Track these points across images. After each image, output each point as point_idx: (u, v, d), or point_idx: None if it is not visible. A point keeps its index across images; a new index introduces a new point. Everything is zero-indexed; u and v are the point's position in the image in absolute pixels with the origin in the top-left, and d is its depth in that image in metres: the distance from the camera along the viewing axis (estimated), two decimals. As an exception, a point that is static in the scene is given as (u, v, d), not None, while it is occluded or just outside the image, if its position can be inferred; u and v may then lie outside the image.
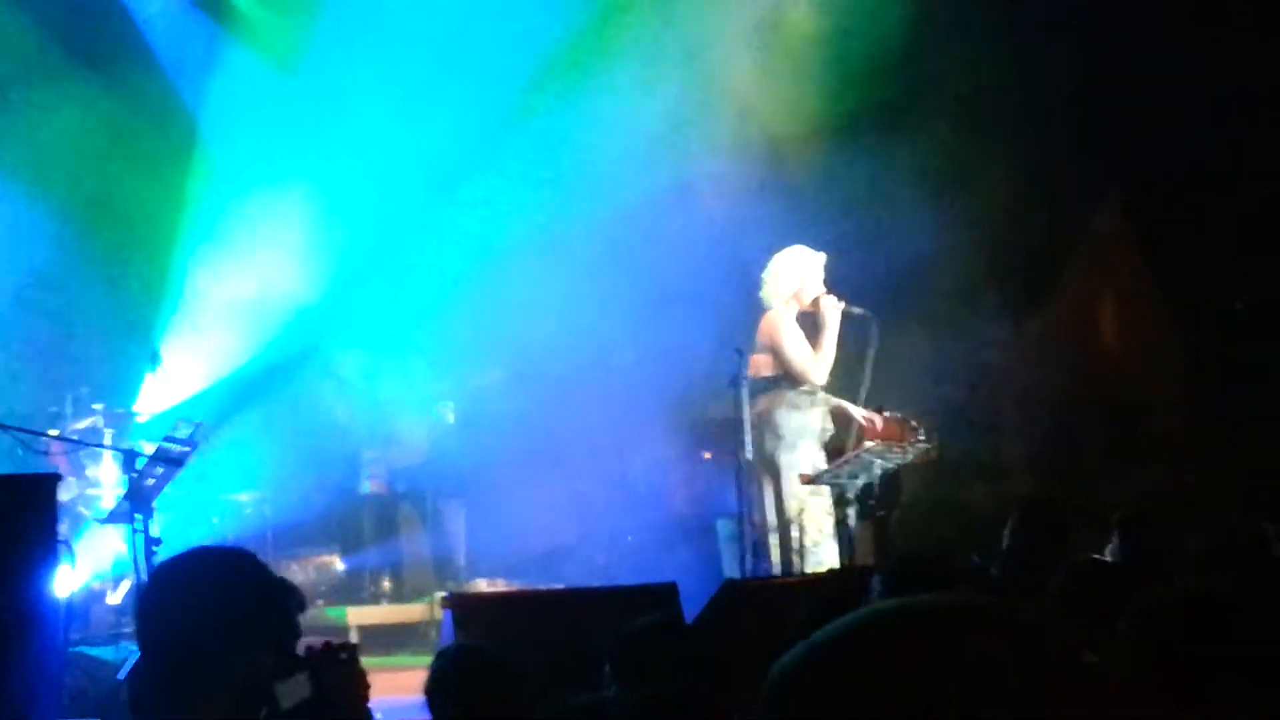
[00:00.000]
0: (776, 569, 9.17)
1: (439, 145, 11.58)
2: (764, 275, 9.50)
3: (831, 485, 9.83)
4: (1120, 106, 11.16)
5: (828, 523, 9.31)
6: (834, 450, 9.54)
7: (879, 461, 9.68)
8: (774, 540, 9.30)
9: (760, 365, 9.40)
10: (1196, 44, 10.63)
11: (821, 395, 9.37)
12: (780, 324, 9.32)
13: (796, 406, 9.33)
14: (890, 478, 9.94)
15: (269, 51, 11.88)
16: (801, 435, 9.30)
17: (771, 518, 9.32)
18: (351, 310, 11.85)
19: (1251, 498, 9.49)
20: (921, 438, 9.94)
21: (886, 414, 9.85)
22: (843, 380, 9.49)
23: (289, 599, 3.93)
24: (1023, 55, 10.80)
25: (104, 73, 11.42)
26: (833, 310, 9.35)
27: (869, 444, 9.71)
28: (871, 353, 9.40)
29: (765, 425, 9.33)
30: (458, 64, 11.50)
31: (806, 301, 9.41)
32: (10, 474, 6.96)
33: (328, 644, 3.89)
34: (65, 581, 7.55)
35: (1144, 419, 11.38)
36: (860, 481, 9.67)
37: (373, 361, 11.77)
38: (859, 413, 9.41)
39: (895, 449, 9.80)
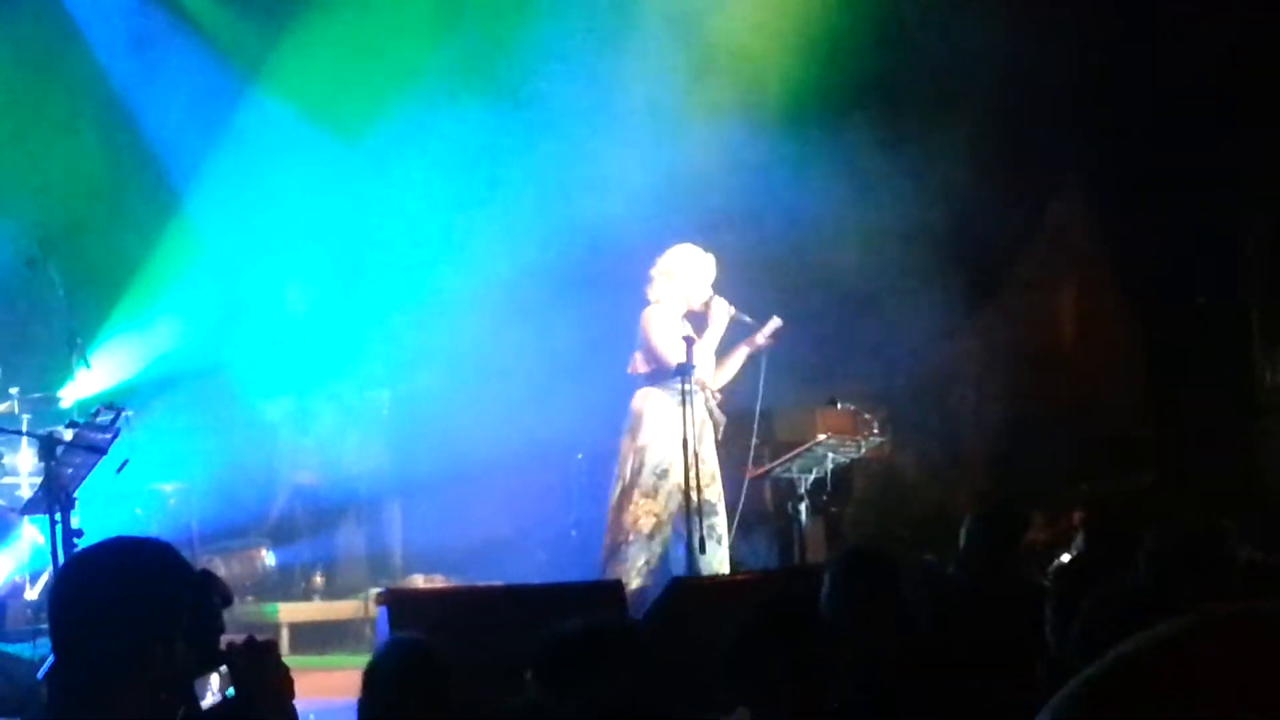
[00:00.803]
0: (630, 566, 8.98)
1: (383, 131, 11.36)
2: (652, 271, 9.30)
3: (781, 479, 9.63)
4: (1083, 95, 10.98)
5: (647, 523, 9.05)
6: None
7: (831, 455, 9.47)
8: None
9: (637, 362, 9.28)
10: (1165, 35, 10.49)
11: (698, 394, 9.08)
12: (652, 320, 9.18)
13: (665, 403, 9.09)
14: (842, 472, 9.74)
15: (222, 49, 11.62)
16: (667, 431, 9.02)
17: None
18: (285, 306, 11.55)
19: (1210, 496, 9.32)
20: (875, 431, 9.76)
21: (839, 406, 9.66)
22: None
23: (209, 591, 3.67)
24: (1002, 39, 10.59)
25: (25, 49, 11.09)
26: (720, 313, 9.19)
27: (821, 436, 9.51)
28: (763, 363, 9.25)
29: (634, 420, 9.18)
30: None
31: (696, 303, 9.25)
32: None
33: (249, 639, 3.67)
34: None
35: (1102, 415, 11.18)
36: (812, 475, 9.47)
37: (306, 354, 11.48)
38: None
39: (848, 442, 9.62)
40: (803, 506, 9.46)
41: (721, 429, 9.29)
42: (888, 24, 11.00)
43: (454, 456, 10.61)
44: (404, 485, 11.40)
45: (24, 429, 9.05)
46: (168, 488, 10.29)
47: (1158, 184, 10.84)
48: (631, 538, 9.01)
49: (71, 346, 9.46)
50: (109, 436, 7.95)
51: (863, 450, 9.60)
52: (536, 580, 9.75)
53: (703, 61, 11.19)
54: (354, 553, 11.49)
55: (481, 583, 9.92)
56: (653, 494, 9.05)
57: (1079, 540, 7.27)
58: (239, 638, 3.73)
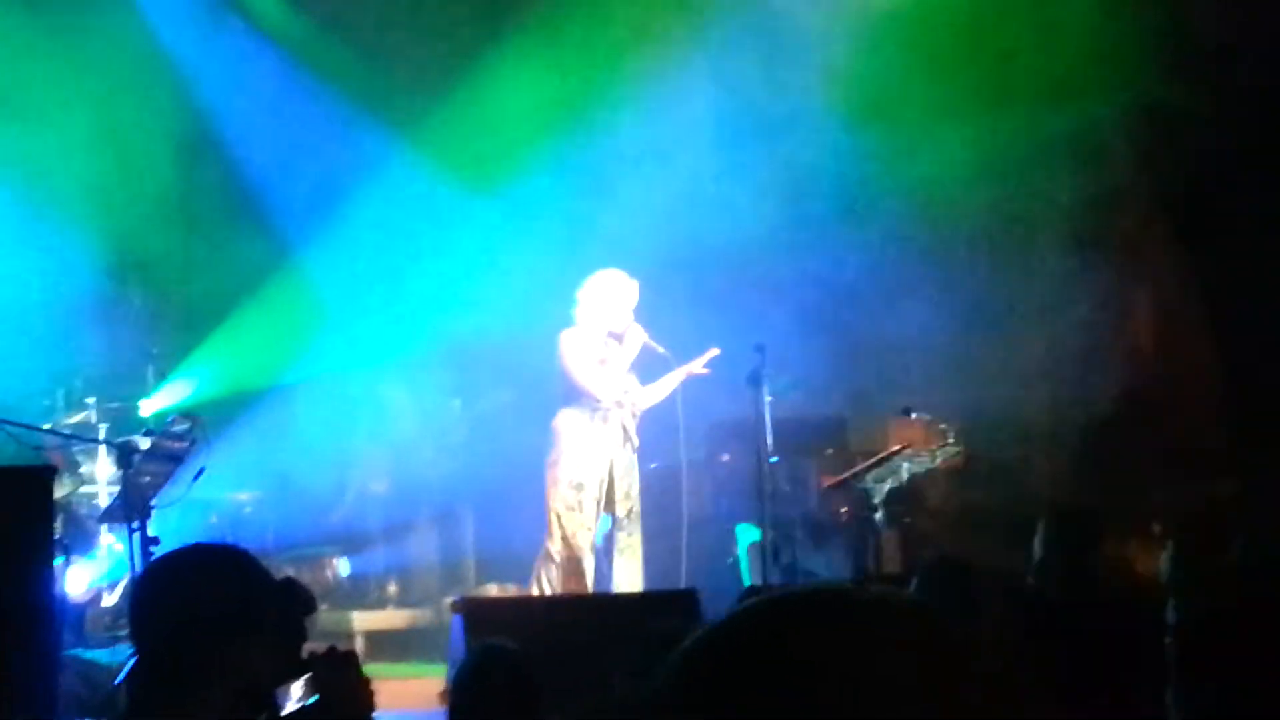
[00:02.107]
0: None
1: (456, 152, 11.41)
2: (577, 294, 9.39)
3: (856, 489, 9.58)
4: (1156, 96, 10.85)
5: (585, 537, 9.15)
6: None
7: (907, 465, 9.42)
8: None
9: (558, 382, 9.38)
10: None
11: (615, 412, 9.27)
12: (566, 343, 9.30)
13: (579, 422, 9.22)
14: (917, 482, 9.69)
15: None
16: (583, 448, 9.18)
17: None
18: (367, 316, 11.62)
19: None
20: (950, 441, 9.69)
21: (914, 416, 9.59)
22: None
23: (291, 598, 3.66)
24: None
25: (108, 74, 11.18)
26: (634, 339, 9.29)
27: (896, 446, 9.46)
28: (679, 400, 9.38)
29: (552, 439, 9.29)
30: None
31: (617, 327, 9.32)
32: (3, 467, 6.68)
33: (330, 649, 3.65)
34: (60, 581, 7.25)
35: (1180, 423, 11.03)
36: (887, 486, 9.42)
37: (382, 363, 11.54)
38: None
39: (923, 453, 9.56)
40: (878, 517, 9.41)
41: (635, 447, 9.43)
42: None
43: (526, 465, 10.60)
44: (476, 494, 11.41)
45: (101, 438, 9.11)
46: (243, 496, 10.35)
47: (1236, 189, 10.71)
48: (563, 554, 9.11)
49: (148, 357, 9.53)
50: (185, 445, 8.01)
51: (938, 460, 9.54)
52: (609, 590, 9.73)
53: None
54: (427, 561, 11.50)
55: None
56: (576, 508, 9.14)
57: (1168, 552, 7.15)
58: (320, 647, 3.73)
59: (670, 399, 10.18)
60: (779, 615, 1.44)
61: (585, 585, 9.06)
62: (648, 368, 9.64)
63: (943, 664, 1.40)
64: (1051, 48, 10.76)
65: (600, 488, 9.19)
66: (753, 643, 1.42)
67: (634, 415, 9.39)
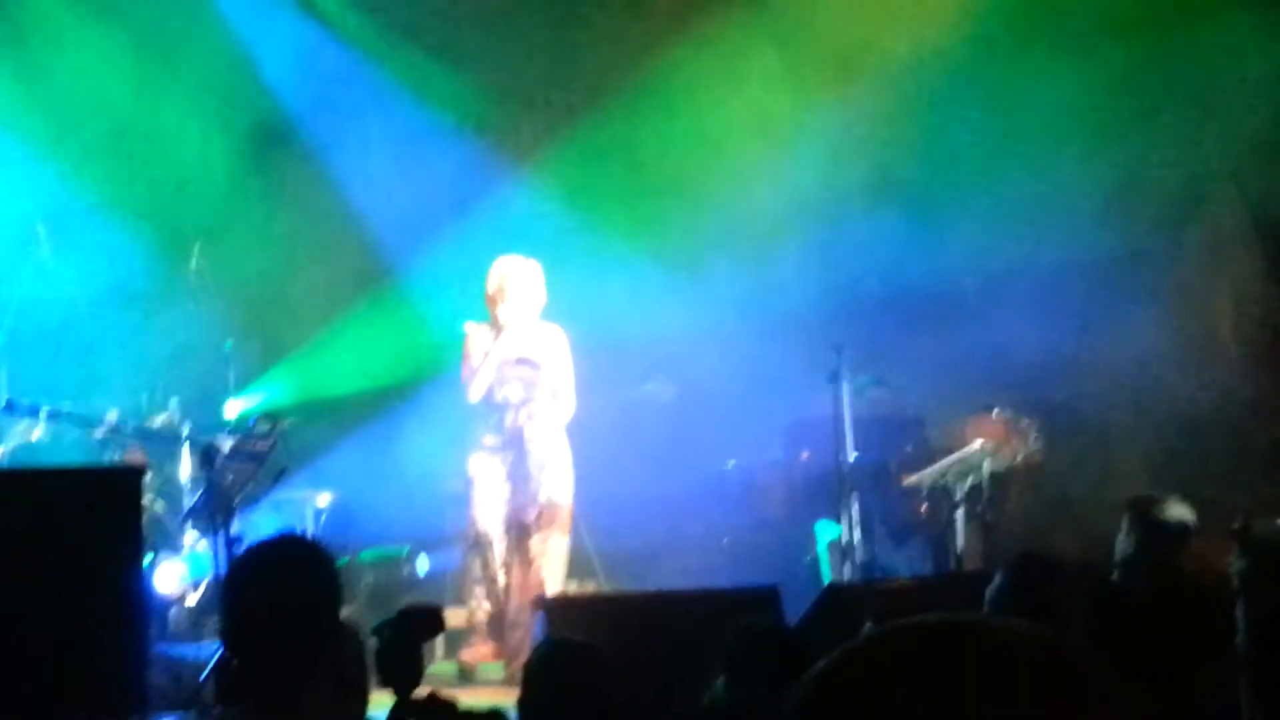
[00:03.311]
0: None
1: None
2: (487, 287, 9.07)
3: (936, 486, 9.51)
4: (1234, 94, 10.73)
5: (488, 543, 8.89)
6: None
7: (987, 462, 9.34)
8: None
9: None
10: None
11: (510, 413, 8.95)
12: (466, 342, 9.00)
13: (482, 425, 9.00)
14: (998, 480, 9.60)
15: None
16: (485, 455, 8.95)
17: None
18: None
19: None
20: (1032, 438, 9.60)
21: (996, 413, 9.51)
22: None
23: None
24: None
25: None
26: (522, 330, 9.00)
27: (977, 443, 9.37)
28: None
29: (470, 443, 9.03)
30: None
31: (526, 320, 9.02)
32: (95, 466, 6.77)
33: (431, 695, 3.63)
34: (150, 578, 7.30)
35: (1266, 418, 10.89)
36: (968, 483, 9.34)
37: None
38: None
39: (1004, 449, 9.48)
40: (958, 515, 9.33)
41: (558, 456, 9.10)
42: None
43: (601, 460, 10.61)
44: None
45: (184, 437, 9.18)
46: (323, 496, 10.38)
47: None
48: (480, 561, 8.92)
49: (227, 359, 9.59)
50: (267, 446, 8.05)
51: (1019, 458, 9.46)
52: (689, 587, 9.70)
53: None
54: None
55: (634, 588, 9.91)
56: (482, 518, 8.91)
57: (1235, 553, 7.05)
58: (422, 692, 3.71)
59: (747, 398, 10.13)
60: (915, 647, 1.42)
61: (496, 593, 8.87)
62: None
63: (1084, 703, 1.38)
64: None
65: (500, 492, 8.91)
66: (891, 676, 1.39)
67: (530, 417, 8.98)
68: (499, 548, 8.94)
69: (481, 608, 8.91)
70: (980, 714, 1.34)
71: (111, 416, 8.71)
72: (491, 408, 8.94)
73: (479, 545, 8.91)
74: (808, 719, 1.40)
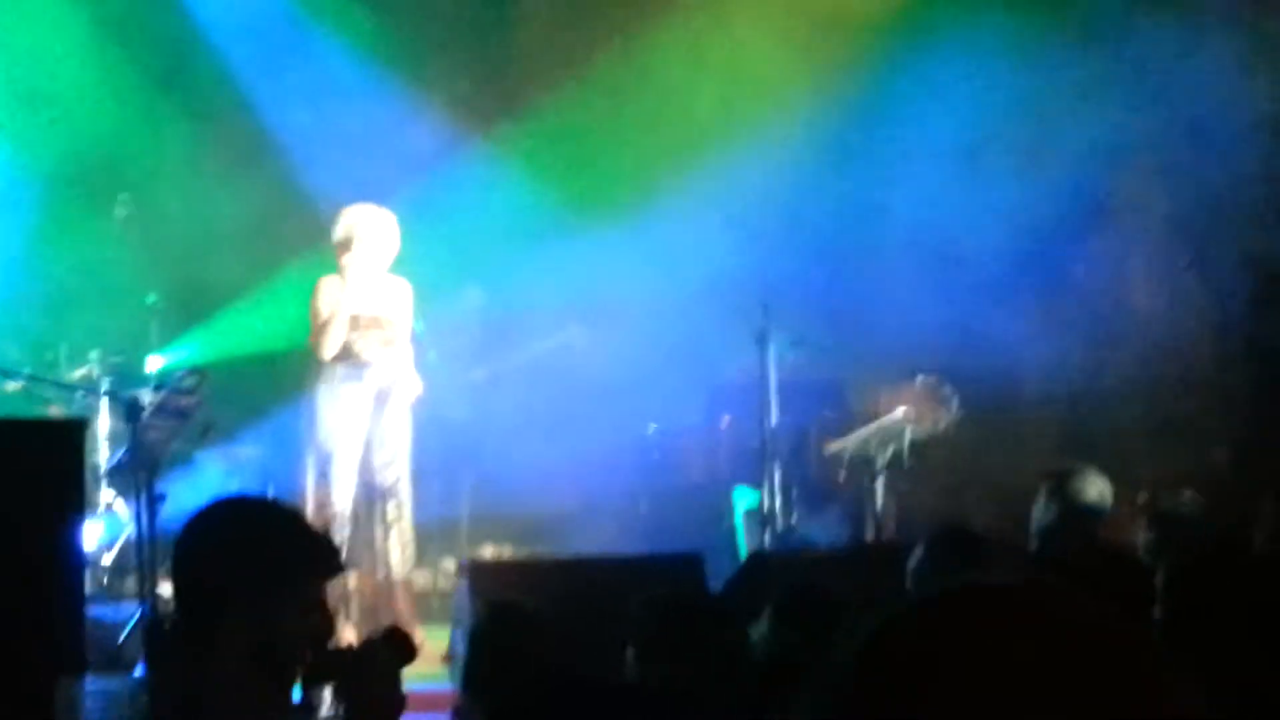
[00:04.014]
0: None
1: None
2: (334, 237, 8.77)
3: (856, 454, 9.55)
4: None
5: (334, 510, 8.48)
6: None
7: (909, 430, 9.40)
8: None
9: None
10: None
11: (370, 371, 8.62)
12: (316, 293, 8.61)
13: (331, 383, 8.60)
14: (919, 449, 9.66)
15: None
16: (333, 414, 8.55)
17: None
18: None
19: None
20: (955, 407, 9.66)
21: (920, 380, 9.57)
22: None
23: (326, 559, 3.63)
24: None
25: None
26: (374, 284, 8.68)
27: (900, 410, 9.43)
28: None
29: (306, 400, 8.70)
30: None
31: (378, 270, 8.71)
32: (35, 419, 6.65)
33: (366, 643, 3.56)
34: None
35: (1173, 391, 11.03)
36: (889, 450, 9.40)
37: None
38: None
39: (926, 417, 9.53)
40: (878, 483, 9.39)
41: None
42: None
43: (516, 422, 10.58)
44: (468, 452, 11.30)
45: (105, 391, 9.02)
46: (246, 452, 10.25)
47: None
48: (334, 527, 8.44)
49: (150, 312, 9.44)
50: (193, 401, 7.95)
51: (941, 426, 9.51)
52: (606, 553, 9.69)
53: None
54: (419, 521, 11.38)
55: (551, 554, 9.88)
56: (323, 479, 8.56)
57: (1142, 525, 7.18)
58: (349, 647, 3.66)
59: (666, 359, 10.11)
60: (979, 613, 1.35)
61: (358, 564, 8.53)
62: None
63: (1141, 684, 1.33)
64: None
65: (354, 455, 8.58)
66: (953, 643, 1.33)
67: (391, 374, 8.68)
68: (353, 516, 8.63)
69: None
70: (1045, 690, 1.29)
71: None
72: (345, 366, 8.57)
73: (324, 512, 8.43)
74: (856, 686, 1.33)
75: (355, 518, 8.65)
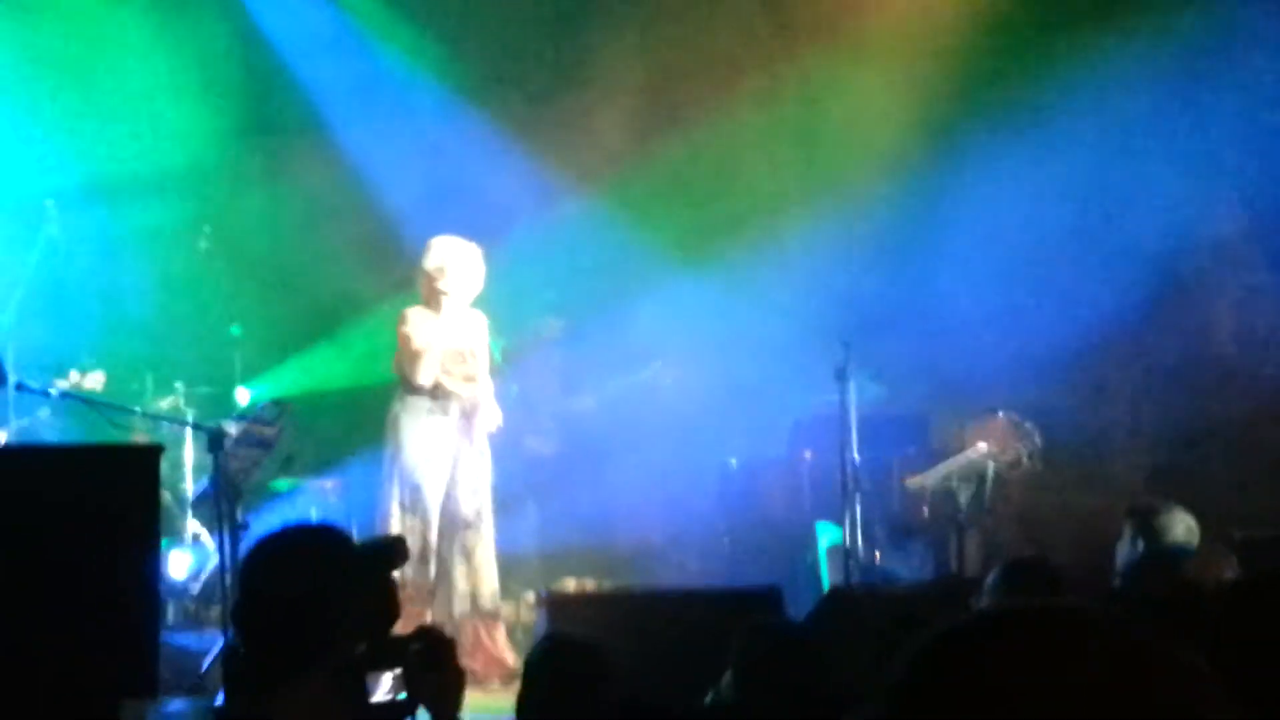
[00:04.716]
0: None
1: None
2: (424, 266, 8.73)
3: (938, 488, 9.50)
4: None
5: (415, 543, 8.34)
6: None
7: (991, 465, 9.34)
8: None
9: (395, 365, 8.75)
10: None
11: (455, 403, 8.59)
12: (402, 323, 8.60)
13: (417, 413, 8.57)
14: (1002, 483, 9.60)
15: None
16: (420, 443, 8.54)
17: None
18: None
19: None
20: (1036, 442, 9.60)
21: (1001, 415, 9.51)
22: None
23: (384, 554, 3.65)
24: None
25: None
26: (463, 316, 8.71)
27: (981, 446, 9.37)
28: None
29: (388, 430, 8.64)
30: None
31: (464, 303, 8.68)
32: (112, 444, 6.71)
33: (430, 637, 3.58)
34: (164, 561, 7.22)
35: (1262, 432, 10.89)
36: (972, 485, 9.34)
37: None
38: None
39: (1008, 453, 9.47)
40: (960, 518, 9.32)
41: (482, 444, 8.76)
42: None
43: (599, 456, 10.60)
44: (547, 484, 11.33)
45: (191, 422, 9.12)
46: (328, 484, 10.33)
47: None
48: (419, 558, 8.45)
49: (235, 343, 9.53)
50: (275, 431, 8.01)
51: (1024, 461, 9.44)
52: (688, 585, 9.67)
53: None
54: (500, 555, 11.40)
55: (633, 586, 9.87)
56: (412, 509, 8.54)
57: (1231, 563, 7.07)
58: (415, 638, 3.66)
59: (748, 394, 10.09)
60: (1024, 632, 1.42)
61: (423, 589, 8.53)
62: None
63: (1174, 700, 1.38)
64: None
65: (440, 487, 8.58)
66: (999, 660, 1.39)
67: (474, 406, 8.66)
68: (438, 547, 8.63)
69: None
70: (1087, 708, 1.34)
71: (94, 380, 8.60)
72: (430, 398, 8.58)
73: (422, 551, 8.49)
74: (912, 697, 1.40)
75: (438, 549, 8.65)
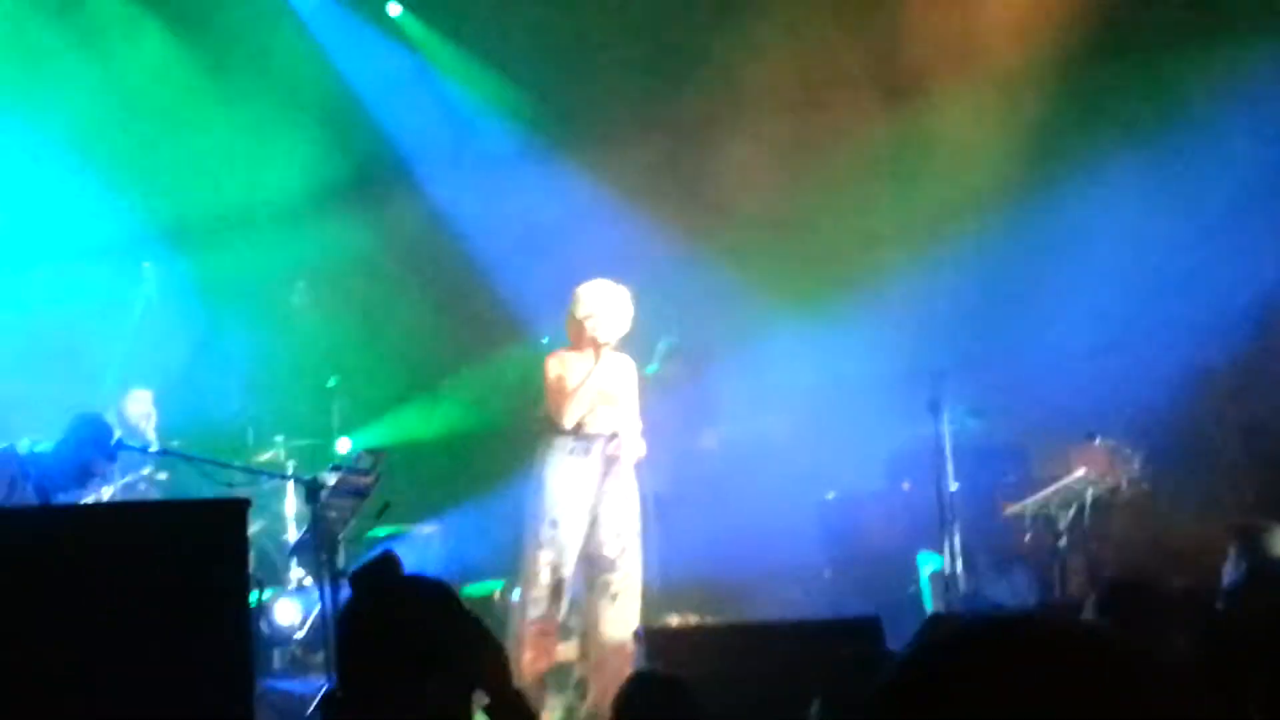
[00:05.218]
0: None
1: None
2: (571, 310, 8.80)
3: (1038, 516, 9.45)
4: None
5: (546, 575, 8.50)
6: None
7: (1090, 490, 9.28)
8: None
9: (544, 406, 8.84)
10: None
11: (598, 444, 8.62)
12: (547, 366, 8.70)
13: (559, 453, 8.60)
14: (1102, 509, 9.53)
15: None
16: (561, 481, 8.57)
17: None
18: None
19: None
20: (1135, 467, 9.52)
21: (1099, 441, 9.45)
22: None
23: (483, 642, 3.68)
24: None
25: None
26: (609, 358, 8.72)
27: (1079, 472, 9.31)
28: None
29: (533, 466, 8.70)
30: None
31: (598, 342, 8.69)
32: (201, 500, 6.83)
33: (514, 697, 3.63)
34: (270, 613, 7.31)
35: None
36: (1071, 512, 9.27)
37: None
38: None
39: (1107, 478, 9.41)
40: (1061, 544, 9.27)
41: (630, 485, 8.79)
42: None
43: (699, 490, 10.62)
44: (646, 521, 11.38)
45: (289, 474, 9.29)
46: (428, 530, 10.46)
47: None
48: (534, 594, 8.55)
49: (333, 395, 9.67)
50: (370, 480, 8.10)
51: (1123, 486, 9.38)
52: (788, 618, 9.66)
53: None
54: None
55: (733, 621, 9.87)
56: (549, 545, 8.55)
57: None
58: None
59: (852, 430, 10.09)
60: (971, 645, 1.48)
61: (553, 624, 8.57)
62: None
63: (1126, 691, 1.43)
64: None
65: (580, 525, 8.58)
66: (949, 673, 1.46)
67: (618, 448, 8.67)
68: (575, 585, 8.66)
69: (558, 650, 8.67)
70: (1035, 704, 1.40)
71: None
72: (576, 439, 8.69)
73: (555, 587, 8.59)
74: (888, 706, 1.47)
75: (578, 590, 8.69)
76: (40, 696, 4.71)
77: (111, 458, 7.80)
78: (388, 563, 3.64)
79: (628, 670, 8.59)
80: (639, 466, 8.92)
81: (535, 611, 8.54)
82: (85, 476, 7.74)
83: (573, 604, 8.68)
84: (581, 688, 8.66)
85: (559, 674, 8.68)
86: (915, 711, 1.45)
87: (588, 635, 8.70)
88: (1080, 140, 10.99)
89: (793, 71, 11.70)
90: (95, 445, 7.70)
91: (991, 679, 1.43)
